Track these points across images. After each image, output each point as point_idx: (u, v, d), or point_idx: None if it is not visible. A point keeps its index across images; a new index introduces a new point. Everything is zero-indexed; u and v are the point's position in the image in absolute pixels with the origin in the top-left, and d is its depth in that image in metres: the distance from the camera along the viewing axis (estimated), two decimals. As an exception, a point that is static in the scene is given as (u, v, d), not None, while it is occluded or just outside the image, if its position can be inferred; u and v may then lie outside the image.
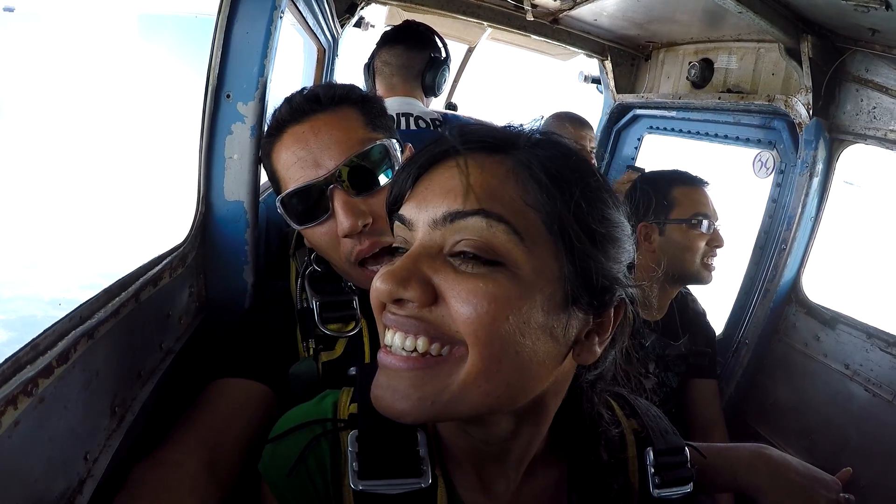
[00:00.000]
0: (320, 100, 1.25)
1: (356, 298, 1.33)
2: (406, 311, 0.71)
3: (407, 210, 0.76)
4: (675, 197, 2.04)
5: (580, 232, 0.71)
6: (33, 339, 0.73)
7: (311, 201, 1.23)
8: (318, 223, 1.24)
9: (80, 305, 0.86)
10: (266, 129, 1.31)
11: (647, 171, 2.55)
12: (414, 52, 2.34)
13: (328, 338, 1.28)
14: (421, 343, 0.70)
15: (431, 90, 2.42)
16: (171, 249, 1.24)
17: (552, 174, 0.72)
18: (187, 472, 0.97)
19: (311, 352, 1.27)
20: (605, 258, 0.73)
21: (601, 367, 0.85)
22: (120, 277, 1.00)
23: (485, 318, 0.67)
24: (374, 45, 2.47)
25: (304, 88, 1.30)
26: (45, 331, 0.76)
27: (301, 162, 1.22)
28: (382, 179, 1.25)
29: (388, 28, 2.50)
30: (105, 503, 0.87)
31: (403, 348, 0.71)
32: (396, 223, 0.78)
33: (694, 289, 2.23)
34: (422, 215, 0.73)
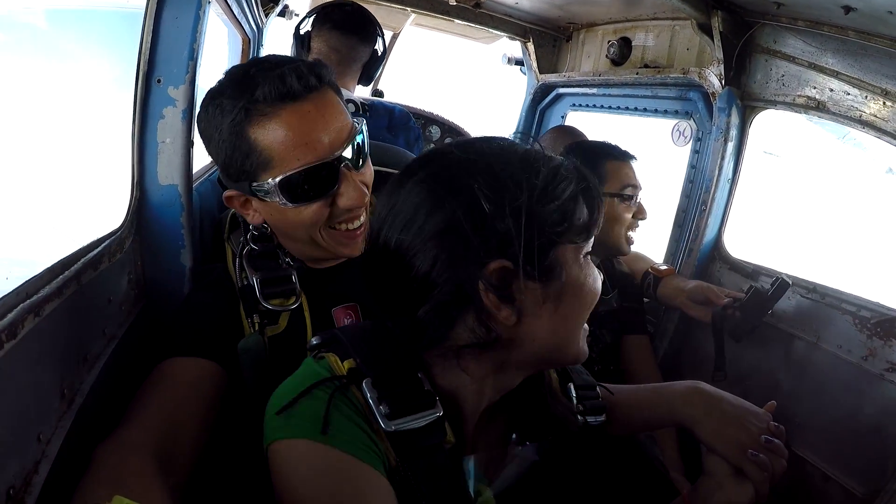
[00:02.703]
0: (321, 78, 1.23)
1: (294, 273, 1.35)
2: None
3: None
4: (606, 170, 2.11)
5: None
6: (-19, 312, 0.70)
7: (317, 180, 1.22)
8: (317, 200, 1.24)
9: (26, 282, 0.83)
10: (245, 102, 1.18)
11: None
12: (364, 46, 2.28)
13: (271, 312, 1.30)
14: None
15: (368, 80, 2.41)
16: (109, 234, 1.22)
17: None
18: (150, 452, 0.96)
19: (257, 327, 1.28)
20: None
21: None
22: (62, 257, 0.98)
23: None
24: (318, 15, 2.28)
25: (279, 62, 1.22)
26: (-9, 304, 0.73)
27: (312, 142, 1.19)
28: (364, 154, 1.32)
29: (333, 2, 2.33)
30: (60, 485, 0.85)
31: None
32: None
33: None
34: None
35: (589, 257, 0.94)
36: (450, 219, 0.84)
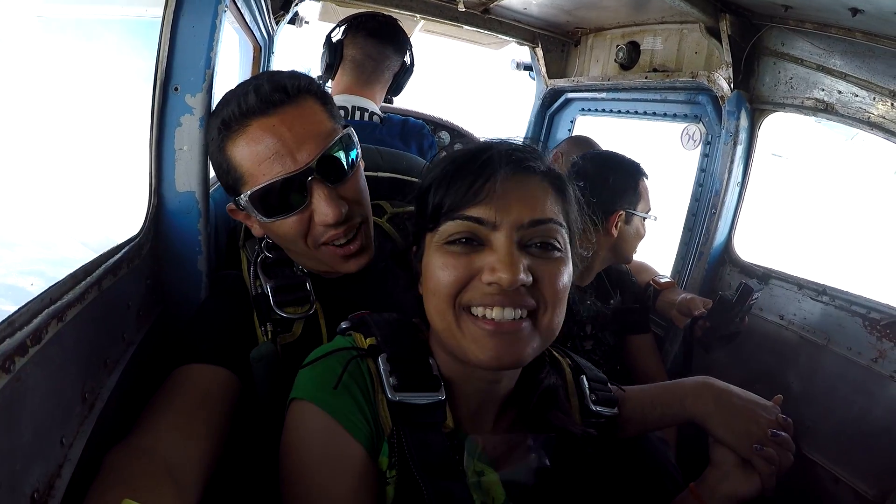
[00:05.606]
0: (288, 91, 1.23)
1: (309, 280, 1.36)
2: (516, 291, 0.93)
3: (484, 213, 0.95)
4: (640, 190, 2.13)
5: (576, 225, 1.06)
6: (9, 316, 0.73)
7: (286, 194, 1.23)
8: (290, 215, 1.25)
9: (49, 287, 0.85)
10: (221, 121, 1.24)
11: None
12: (397, 56, 2.31)
13: (285, 321, 1.31)
14: (522, 312, 0.95)
15: (396, 91, 2.44)
16: (128, 240, 1.23)
17: (562, 190, 1.04)
18: (161, 458, 0.97)
19: (270, 335, 1.29)
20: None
21: None
22: (83, 264, 1.00)
23: (563, 288, 0.97)
24: (352, 23, 2.30)
25: (260, 77, 1.28)
26: (18, 309, 0.75)
27: (276, 156, 1.20)
28: (347, 168, 1.29)
29: (366, 12, 2.37)
30: (82, 488, 0.87)
31: (513, 318, 0.95)
32: (460, 221, 0.97)
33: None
34: (506, 219, 0.95)
35: (447, 247, 0.99)
36: None
